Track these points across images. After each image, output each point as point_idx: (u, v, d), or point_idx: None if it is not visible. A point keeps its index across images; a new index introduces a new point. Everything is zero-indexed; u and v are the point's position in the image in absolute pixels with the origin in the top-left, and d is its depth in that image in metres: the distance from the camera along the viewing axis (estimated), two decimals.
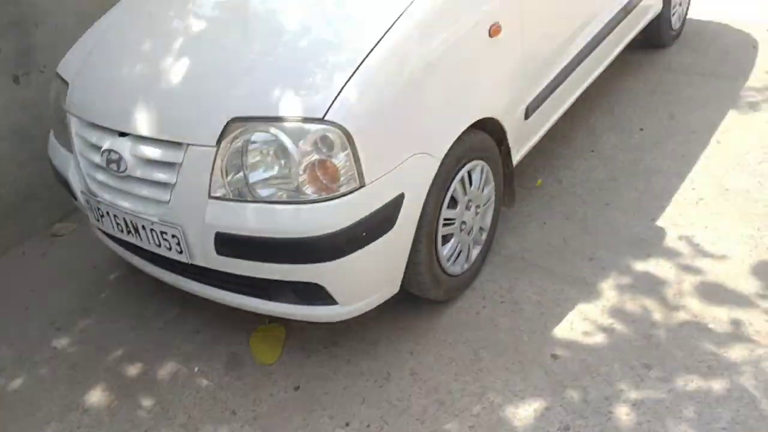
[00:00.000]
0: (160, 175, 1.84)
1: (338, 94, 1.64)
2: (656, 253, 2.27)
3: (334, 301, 1.83)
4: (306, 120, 1.65)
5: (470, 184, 2.08)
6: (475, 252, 2.24)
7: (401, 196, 1.76)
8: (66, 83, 2.20)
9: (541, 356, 1.94)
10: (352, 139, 1.64)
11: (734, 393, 1.73)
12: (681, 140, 2.85)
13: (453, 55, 1.87)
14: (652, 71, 3.48)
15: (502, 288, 2.22)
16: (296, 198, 1.69)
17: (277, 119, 1.67)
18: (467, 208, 2.10)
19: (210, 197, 1.76)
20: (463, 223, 2.10)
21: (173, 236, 1.84)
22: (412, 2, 1.80)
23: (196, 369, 2.08)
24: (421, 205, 1.84)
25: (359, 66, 1.68)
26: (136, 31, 2.22)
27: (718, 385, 1.76)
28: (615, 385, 1.81)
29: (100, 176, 1.99)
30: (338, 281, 1.78)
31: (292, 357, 2.08)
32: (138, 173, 1.87)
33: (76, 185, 2.10)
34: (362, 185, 1.68)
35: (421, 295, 2.07)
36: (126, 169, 1.88)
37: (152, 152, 1.84)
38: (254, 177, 1.72)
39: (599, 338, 1.98)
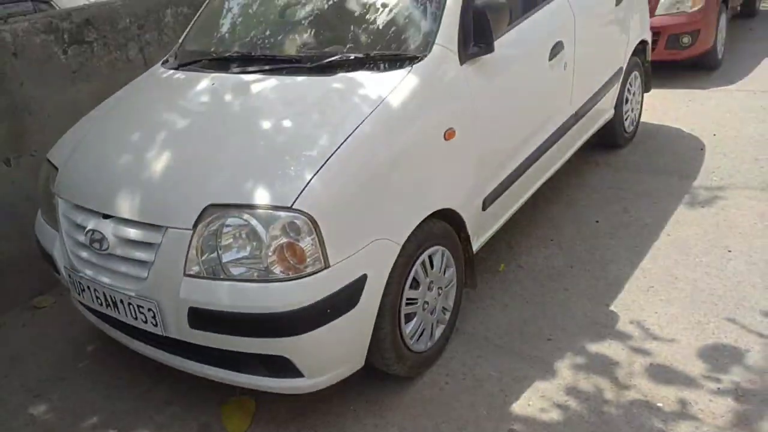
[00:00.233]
0: (140, 254, 1.97)
1: (306, 186, 1.81)
2: (609, 336, 2.39)
3: (300, 374, 1.91)
4: (276, 208, 1.81)
5: (431, 267, 2.22)
6: (439, 331, 2.35)
7: (364, 277, 1.90)
8: (56, 168, 2.37)
9: (499, 431, 2.02)
10: (317, 225, 1.79)
11: None
12: (634, 232, 3.05)
13: (411, 154, 2.06)
14: (609, 169, 3.75)
15: (465, 365, 2.32)
16: (265, 277, 1.82)
17: (249, 206, 1.83)
18: (429, 289, 2.23)
19: (185, 275, 1.88)
20: (426, 303, 2.23)
21: (149, 310, 1.94)
22: (374, 109, 2.01)
23: None
24: (383, 286, 1.97)
25: (326, 162, 1.86)
26: (124, 124, 2.42)
27: None
28: None
29: (83, 253, 2.12)
30: (304, 355, 1.88)
31: (261, 427, 2.14)
32: (119, 251, 2.01)
33: (60, 261, 2.22)
34: (327, 266, 1.82)
35: (386, 370, 2.16)
36: (108, 247, 2.02)
37: (133, 233, 1.98)
38: (227, 257, 1.85)
39: (554, 414, 2.06)
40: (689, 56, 5.13)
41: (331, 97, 2.16)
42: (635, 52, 3.83)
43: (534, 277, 2.81)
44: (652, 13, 4.96)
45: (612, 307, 2.55)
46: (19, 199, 2.96)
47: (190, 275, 1.88)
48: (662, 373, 2.19)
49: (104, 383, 2.42)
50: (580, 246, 3.00)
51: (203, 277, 1.87)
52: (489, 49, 2.29)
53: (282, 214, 1.81)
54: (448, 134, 2.20)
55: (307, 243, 1.80)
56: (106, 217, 2.04)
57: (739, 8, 6.87)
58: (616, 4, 3.40)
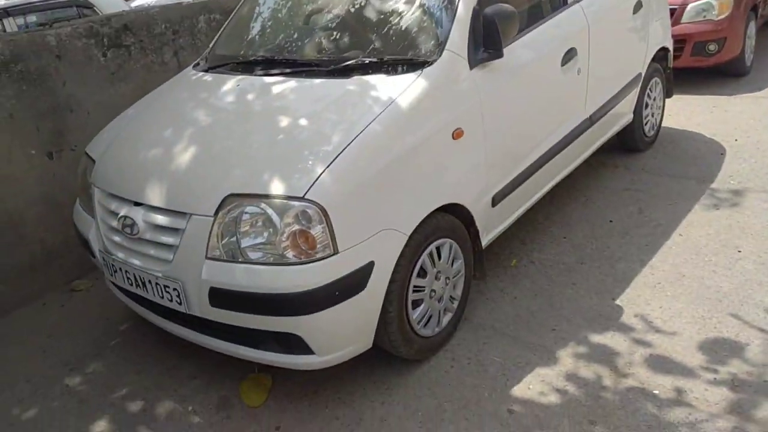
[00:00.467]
0: (166, 239, 2.14)
1: (317, 178, 1.95)
2: (612, 328, 2.47)
3: (311, 351, 2.05)
4: (290, 198, 1.95)
5: (439, 257, 2.34)
6: (447, 318, 2.46)
7: (371, 264, 2.03)
8: (93, 161, 2.57)
9: (499, 411, 2.12)
10: (327, 214, 1.93)
11: None
12: (646, 232, 3.11)
13: (419, 151, 2.19)
14: (627, 172, 3.81)
15: (471, 351, 2.43)
16: (279, 261, 1.97)
17: (266, 196, 1.98)
18: (437, 278, 2.35)
19: (207, 258, 2.04)
20: (433, 291, 2.34)
21: (174, 290, 2.11)
22: (384, 110, 2.15)
23: (190, 408, 2.30)
24: (390, 273, 2.10)
25: (336, 157, 2.00)
26: (155, 120, 2.62)
27: None
28: None
29: (116, 238, 2.30)
30: (314, 333, 2.02)
31: (277, 402, 2.29)
32: (147, 236, 2.18)
33: (95, 245, 2.41)
34: (336, 252, 1.95)
35: (394, 352, 2.28)
36: (138, 232, 2.19)
37: (161, 219, 2.15)
38: (245, 242, 2.01)
39: (553, 398, 2.15)
40: (716, 63, 5.13)
41: (346, 98, 2.30)
42: (656, 59, 3.87)
43: (544, 272, 2.89)
44: (678, 21, 5.03)
45: (618, 301, 2.62)
46: (60, 191, 3.18)
47: (211, 258, 2.04)
48: (661, 364, 2.25)
49: (134, 359, 2.61)
50: (593, 244, 3.07)
51: (223, 260, 2.03)
52: (498, 54, 2.40)
53: (295, 203, 1.95)
54: (456, 134, 2.31)
55: (317, 230, 1.94)
56: (137, 204, 2.22)
57: None
58: (634, 12, 3.47)
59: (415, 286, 2.25)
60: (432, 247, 2.29)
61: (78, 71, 3.24)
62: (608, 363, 2.29)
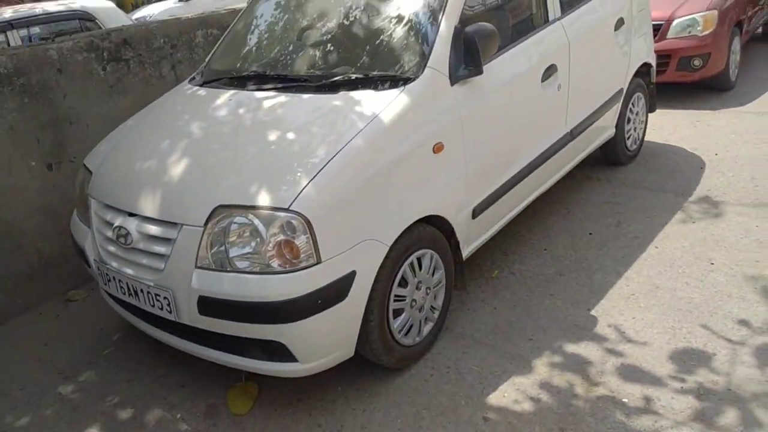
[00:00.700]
0: (158, 248, 2.24)
1: (302, 190, 2.06)
2: (586, 338, 2.57)
3: (294, 359, 2.15)
4: (276, 209, 2.06)
5: (420, 268, 2.44)
6: (428, 328, 2.56)
7: (353, 273, 2.13)
8: (90, 172, 2.68)
9: (474, 418, 2.22)
10: (311, 225, 2.03)
11: None
12: (623, 244, 3.22)
13: (400, 164, 2.29)
14: (609, 185, 3.92)
15: (450, 360, 2.53)
16: (265, 270, 2.07)
17: (253, 207, 2.09)
18: (417, 288, 2.45)
19: (196, 267, 2.14)
20: (414, 300, 2.44)
21: (165, 298, 2.21)
22: (367, 124, 2.26)
23: (178, 416, 2.39)
24: (372, 282, 2.20)
25: (321, 170, 2.11)
26: (151, 133, 2.72)
27: None
28: None
29: (111, 247, 2.41)
30: (297, 341, 2.12)
31: (262, 410, 2.38)
32: (141, 246, 2.28)
33: (91, 254, 2.52)
34: (319, 261, 2.06)
35: (375, 360, 2.38)
36: (132, 242, 2.30)
37: (154, 229, 2.26)
38: (233, 252, 2.11)
39: (526, 406, 2.25)
40: (700, 78, 5.26)
41: (333, 112, 2.41)
42: (638, 74, 3.99)
43: (524, 283, 3.00)
44: (663, 36, 5.16)
45: (593, 312, 2.73)
46: (58, 201, 3.29)
47: (200, 267, 2.14)
48: (631, 373, 2.35)
49: (126, 368, 2.71)
50: (572, 256, 3.18)
51: (212, 269, 2.13)
52: (478, 71, 2.52)
53: (281, 214, 2.06)
54: (437, 147, 2.42)
55: (301, 240, 2.05)
56: (131, 215, 2.33)
57: (760, 30, 6.95)
58: (615, 29, 3.59)
59: (396, 296, 2.36)
60: (413, 257, 2.40)
61: (78, 84, 3.35)
62: (581, 372, 2.39)
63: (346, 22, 2.87)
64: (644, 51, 4.00)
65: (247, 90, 2.74)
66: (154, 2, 15.14)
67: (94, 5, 5.95)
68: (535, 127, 3.05)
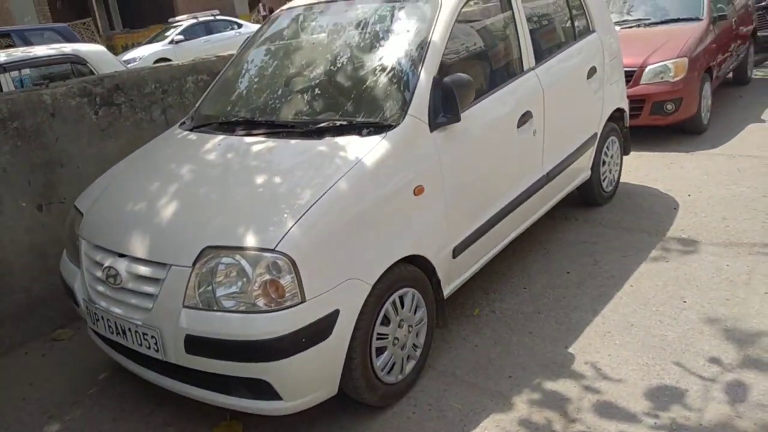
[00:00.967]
0: (147, 288, 2.31)
1: (287, 232, 2.15)
2: (564, 375, 2.64)
3: (279, 397, 2.20)
4: (262, 249, 2.14)
5: (402, 306, 2.52)
6: (410, 365, 2.62)
7: (336, 312, 2.20)
8: (81, 213, 2.75)
9: None
10: (296, 265, 2.12)
11: None
12: (600, 283, 3.32)
13: (382, 207, 2.40)
14: (586, 225, 4.05)
15: (432, 397, 2.59)
16: (251, 309, 2.14)
17: (240, 248, 2.17)
18: (400, 326, 2.52)
19: (184, 306, 2.21)
20: (396, 338, 2.51)
21: (152, 337, 2.27)
22: (350, 169, 2.36)
23: None
24: (355, 321, 2.27)
25: (306, 212, 2.20)
26: (142, 176, 2.81)
27: None
28: None
29: (100, 287, 2.46)
30: (282, 379, 2.17)
31: None
32: (130, 286, 2.35)
33: (80, 294, 2.57)
34: (303, 300, 2.13)
35: (358, 398, 2.43)
36: (121, 282, 2.36)
37: (143, 270, 2.33)
38: (220, 291, 2.18)
39: None
40: (673, 122, 5.47)
41: (318, 157, 2.52)
42: (612, 119, 4.16)
43: (504, 321, 3.08)
44: (637, 82, 5.39)
45: (570, 349, 2.80)
46: (48, 241, 3.34)
47: (188, 306, 2.21)
48: (607, 409, 2.42)
49: (111, 407, 2.73)
50: (550, 294, 3.27)
51: (199, 309, 2.20)
52: (456, 118, 2.65)
53: (267, 255, 2.14)
54: (418, 190, 2.53)
55: (287, 280, 2.12)
56: (121, 255, 2.40)
57: (731, 75, 7.24)
58: (588, 77, 3.77)
59: (378, 334, 2.42)
60: (395, 296, 2.47)
61: (71, 128, 3.45)
62: (559, 409, 2.46)
63: (331, 71, 3.01)
64: (617, 97, 4.18)
65: (236, 135, 2.84)
66: (144, 44, 15.42)
67: (85, 49, 6.11)
68: (512, 170, 3.18)
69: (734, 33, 6.57)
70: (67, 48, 6.09)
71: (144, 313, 2.29)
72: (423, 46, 2.74)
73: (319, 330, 2.17)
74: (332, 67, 3.04)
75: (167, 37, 14.97)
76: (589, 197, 4.20)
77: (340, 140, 2.56)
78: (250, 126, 2.89)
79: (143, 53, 14.24)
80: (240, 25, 16.23)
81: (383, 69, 2.81)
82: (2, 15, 16.41)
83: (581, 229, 3.98)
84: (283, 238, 2.14)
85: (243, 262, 2.16)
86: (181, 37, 14.78)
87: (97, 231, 2.59)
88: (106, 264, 2.41)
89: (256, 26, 16.46)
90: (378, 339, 2.43)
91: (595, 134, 3.94)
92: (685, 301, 3.07)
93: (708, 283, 3.20)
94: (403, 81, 2.73)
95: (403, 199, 2.49)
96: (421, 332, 2.67)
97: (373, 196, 2.38)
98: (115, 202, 2.69)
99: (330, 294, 2.19)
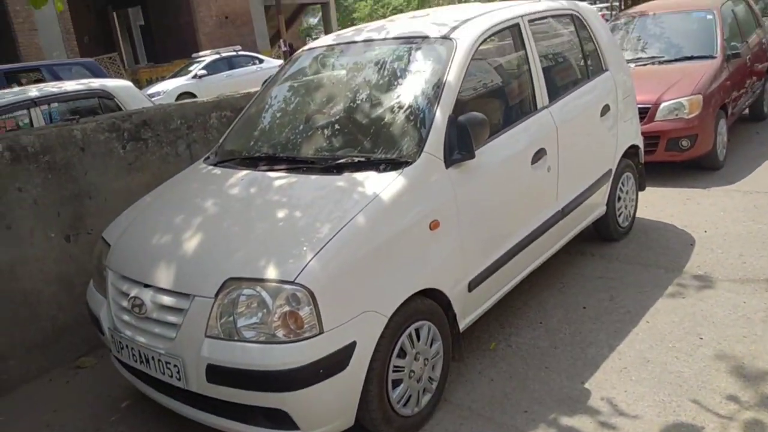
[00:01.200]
0: (171, 318, 2.38)
1: (306, 265, 2.22)
2: (580, 410, 2.65)
3: (296, 427, 2.24)
4: (282, 282, 2.21)
5: (418, 339, 2.56)
6: (426, 398, 2.65)
7: (353, 344, 2.26)
8: (108, 245, 2.85)
9: None
10: (315, 297, 2.18)
11: None
12: (616, 319, 3.33)
13: (399, 241, 2.47)
14: (602, 260, 4.07)
15: (447, 431, 2.60)
16: (271, 339, 2.21)
17: (261, 280, 2.24)
18: (416, 359, 2.56)
19: (206, 336, 2.28)
20: (412, 371, 2.55)
21: (175, 366, 2.33)
22: (368, 204, 2.44)
23: None
24: (371, 353, 2.32)
25: (325, 245, 2.28)
26: (167, 209, 2.92)
27: None
28: None
29: (125, 317, 2.54)
30: (300, 409, 2.22)
31: None
32: (154, 315, 2.43)
33: (105, 323, 2.65)
34: (321, 332, 2.19)
35: (374, 430, 2.46)
36: (146, 312, 2.44)
37: (167, 300, 2.41)
38: (241, 322, 2.25)
39: None
40: (689, 158, 5.50)
41: (337, 192, 2.60)
42: (627, 155, 4.22)
43: (520, 355, 3.10)
44: (652, 119, 5.44)
45: (586, 385, 2.81)
46: (75, 271, 3.44)
47: (210, 336, 2.27)
48: None
49: None
50: (566, 329, 3.29)
51: (220, 338, 2.26)
52: (470, 155, 2.72)
53: (287, 287, 2.21)
54: (433, 225, 2.60)
55: (306, 312, 2.19)
56: (146, 286, 2.48)
57: (747, 112, 7.27)
58: (602, 115, 3.84)
59: (395, 366, 2.47)
60: (411, 329, 2.52)
61: (99, 161, 3.58)
62: None
63: (350, 109, 3.12)
64: (631, 134, 4.24)
65: (259, 170, 2.94)
66: (168, 78, 15.85)
67: (112, 84, 6.32)
68: (526, 206, 3.24)
69: (749, 70, 6.62)
70: (95, 83, 6.32)
71: (167, 342, 2.36)
72: (439, 86, 2.84)
73: (337, 361, 2.22)
74: (351, 105, 3.15)
75: (191, 71, 15.40)
76: (605, 232, 4.23)
77: (359, 176, 2.64)
78: (272, 161, 2.99)
79: (167, 87, 14.63)
80: (261, 60, 16.65)
81: (400, 107, 2.90)
82: (32, 50, 16.98)
83: (597, 265, 4.01)
84: (302, 270, 2.21)
85: (264, 293, 2.23)
86: (204, 71, 15.19)
87: (124, 262, 2.68)
88: (132, 294, 2.50)
89: (277, 61, 16.92)
90: (394, 371, 2.47)
91: (610, 170, 3.99)
92: (701, 338, 3.07)
93: (725, 320, 3.20)
94: (419, 119, 2.81)
95: (419, 234, 2.56)
96: (437, 365, 2.70)
97: (389, 230, 2.45)
98: (142, 234, 2.79)
99: (347, 326, 2.25)
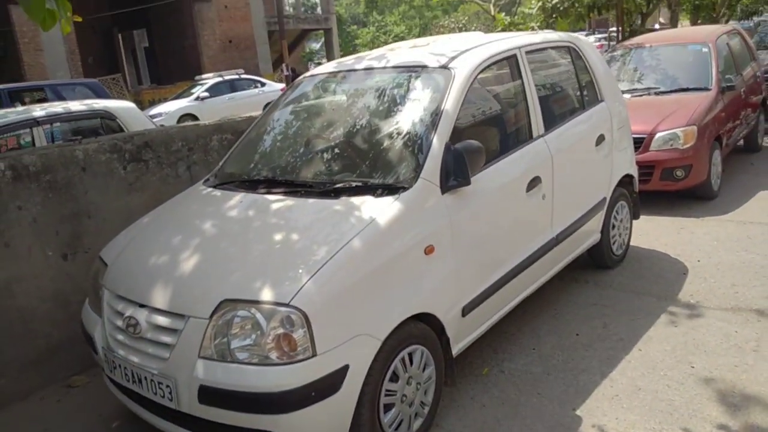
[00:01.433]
0: (165, 338, 2.40)
1: (301, 288, 2.25)
2: None
3: None
4: (277, 304, 2.24)
5: (411, 363, 2.58)
6: (417, 423, 2.66)
7: (346, 367, 2.27)
8: (105, 264, 2.88)
9: None
10: (309, 320, 2.20)
11: None
12: (608, 346, 3.35)
13: (394, 265, 2.50)
14: (596, 287, 4.10)
15: None
16: (264, 361, 2.22)
17: (255, 302, 2.27)
18: (408, 383, 2.57)
19: (199, 357, 2.29)
20: (404, 396, 2.56)
21: (167, 386, 2.34)
22: (364, 228, 2.47)
23: None
24: (364, 376, 2.34)
25: (320, 268, 2.31)
26: (165, 230, 2.95)
27: None
28: None
29: (120, 336, 2.56)
30: (291, 431, 2.22)
31: None
32: (149, 335, 2.44)
33: (99, 342, 2.66)
34: (314, 355, 2.21)
35: None
36: (140, 331, 2.46)
37: (162, 320, 2.43)
38: (235, 343, 2.27)
39: None
40: (683, 188, 5.56)
41: (334, 215, 2.64)
42: (622, 184, 4.27)
43: (513, 381, 3.11)
44: (647, 148, 5.51)
45: (578, 411, 2.82)
46: (70, 289, 3.46)
47: (203, 357, 2.29)
48: None
49: None
50: (559, 356, 3.30)
51: (214, 359, 2.28)
52: (466, 182, 2.76)
53: (281, 309, 2.23)
54: (428, 250, 2.63)
55: (299, 334, 2.21)
56: (142, 306, 2.50)
57: (742, 143, 7.36)
58: (596, 144, 3.90)
59: (387, 390, 2.48)
60: (404, 353, 2.54)
61: (100, 181, 3.62)
62: None
63: (348, 135, 3.17)
64: (626, 163, 4.30)
65: (257, 193, 2.98)
66: (170, 100, 16.00)
67: (115, 105, 6.40)
68: (521, 233, 3.27)
69: (743, 102, 6.72)
70: (99, 104, 6.40)
71: (160, 362, 2.38)
72: (436, 114, 2.89)
73: (329, 384, 2.24)
74: (350, 131, 3.20)
75: (193, 93, 15.55)
76: (599, 260, 4.26)
77: (356, 200, 2.68)
78: (270, 185, 3.03)
79: (169, 108, 14.77)
80: (263, 84, 16.83)
81: (398, 134, 2.95)
82: (37, 69, 17.19)
83: (591, 292, 4.03)
84: (297, 293, 2.24)
85: (258, 315, 2.25)
86: (206, 94, 15.34)
87: (120, 282, 2.70)
88: (127, 314, 2.52)
89: (279, 85, 17.09)
90: (386, 395, 2.48)
91: (605, 199, 4.04)
92: (693, 367, 3.08)
93: (716, 349, 3.22)
94: (417, 145, 2.86)
95: (414, 258, 2.59)
96: (430, 390, 2.71)
97: (385, 254, 2.48)
98: (139, 254, 2.82)
99: (340, 349, 2.26)
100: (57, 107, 6.12)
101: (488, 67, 3.31)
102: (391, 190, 2.71)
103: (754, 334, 3.33)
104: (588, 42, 4.42)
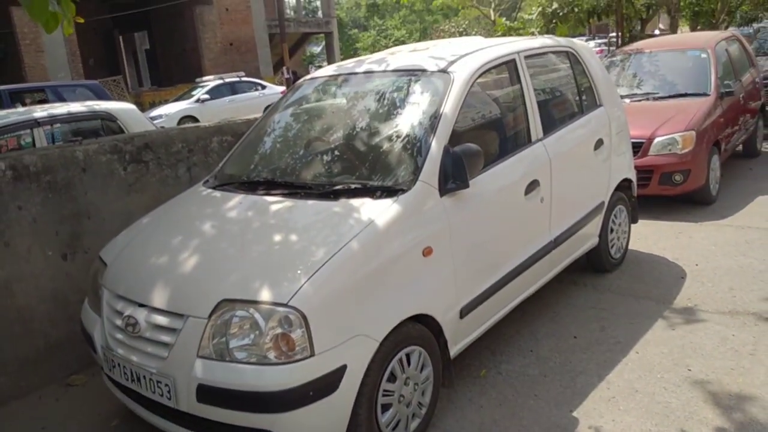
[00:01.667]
0: (164, 337, 2.41)
1: (300, 288, 2.26)
2: None
3: None
4: (275, 304, 2.25)
5: (408, 364, 2.59)
6: (414, 424, 2.67)
7: (344, 367, 2.28)
8: (105, 264, 2.89)
9: None
10: (307, 320, 2.22)
11: None
12: (606, 349, 3.36)
13: (392, 267, 2.51)
14: (594, 290, 4.11)
15: None
16: (262, 361, 2.24)
17: (254, 302, 2.28)
18: (406, 384, 2.58)
19: (198, 356, 2.30)
20: (402, 396, 2.57)
21: (166, 385, 2.36)
22: (362, 230, 2.49)
23: None
24: (362, 376, 2.35)
25: (318, 269, 2.32)
26: (165, 230, 2.97)
27: None
28: None
29: (119, 335, 2.57)
30: (288, 431, 2.24)
31: None
32: (147, 335, 2.46)
33: (98, 341, 2.68)
34: (312, 354, 2.22)
35: None
36: (139, 331, 2.47)
37: (161, 320, 2.44)
38: (233, 343, 2.28)
39: None
40: (682, 192, 5.58)
41: (333, 217, 2.65)
42: (620, 188, 4.28)
43: (510, 383, 3.12)
44: (645, 153, 5.53)
45: (574, 413, 2.83)
46: (70, 289, 3.47)
47: (202, 357, 2.30)
48: None
49: None
50: (557, 358, 3.31)
51: (212, 359, 2.29)
52: (464, 185, 2.78)
53: (280, 309, 2.24)
54: (426, 251, 2.65)
55: (297, 334, 2.22)
56: (141, 305, 2.51)
57: (741, 148, 7.38)
58: (595, 149, 3.92)
59: (384, 391, 2.49)
60: (402, 353, 2.55)
61: (100, 182, 3.64)
62: None
63: (348, 137, 3.19)
64: (624, 167, 4.32)
65: (257, 194, 2.99)
66: (171, 102, 16.04)
67: (116, 107, 6.42)
68: (519, 236, 3.29)
69: (742, 108, 6.74)
70: (99, 106, 6.42)
71: (159, 361, 2.39)
72: (435, 117, 2.91)
73: (327, 384, 2.25)
74: (349, 133, 3.22)
75: (193, 95, 15.58)
76: (597, 263, 4.28)
77: (355, 202, 2.70)
78: (270, 186, 3.05)
79: (169, 110, 14.80)
80: (264, 86, 16.87)
81: (398, 137, 2.97)
82: (38, 71, 17.22)
83: (589, 295, 4.04)
84: (296, 293, 2.25)
85: (256, 315, 2.27)
86: (207, 96, 15.38)
87: (120, 281, 2.71)
88: (126, 313, 2.53)
89: (280, 87, 17.13)
90: (384, 396, 2.49)
91: (603, 203, 4.06)
92: (690, 369, 3.09)
93: (713, 353, 3.23)
94: (415, 148, 2.88)
95: (412, 260, 2.60)
96: (427, 391, 2.72)
97: (383, 255, 2.49)
98: (139, 254, 2.83)
99: (338, 349, 2.28)
100: (58, 108, 6.14)
101: (487, 71, 3.33)
102: (389, 192, 2.72)
103: (751, 338, 3.34)
104: (587, 47, 4.44)
